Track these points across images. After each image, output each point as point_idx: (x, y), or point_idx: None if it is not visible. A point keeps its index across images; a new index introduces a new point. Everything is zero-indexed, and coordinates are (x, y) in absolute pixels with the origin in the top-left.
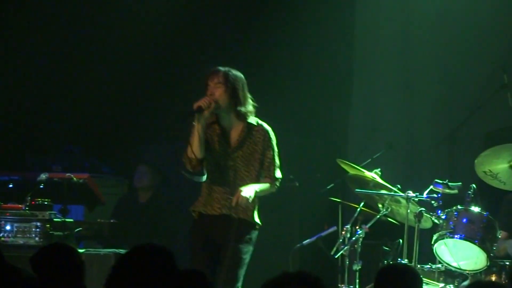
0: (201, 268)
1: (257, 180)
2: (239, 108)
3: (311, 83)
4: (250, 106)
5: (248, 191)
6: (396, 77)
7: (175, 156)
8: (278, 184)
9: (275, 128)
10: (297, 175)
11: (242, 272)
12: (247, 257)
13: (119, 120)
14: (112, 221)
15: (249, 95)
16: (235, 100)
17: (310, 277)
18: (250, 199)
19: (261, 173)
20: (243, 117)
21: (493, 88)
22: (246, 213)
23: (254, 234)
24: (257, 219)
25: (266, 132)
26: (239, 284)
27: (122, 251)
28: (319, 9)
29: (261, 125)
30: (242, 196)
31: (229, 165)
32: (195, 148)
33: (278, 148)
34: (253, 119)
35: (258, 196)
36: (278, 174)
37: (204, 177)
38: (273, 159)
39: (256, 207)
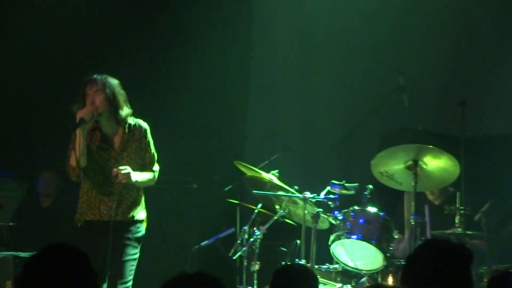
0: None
1: None
2: (119, 112)
3: (209, 88)
4: (128, 109)
5: (129, 169)
6: (293, 81)
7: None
8: (156, 176)
9: (174, 131)
10: (196, 177)
11: (131, 269)
12: (135, 254)
13: (18, 124)
14: (11, 224)
15: (126, 99)
16: (115, 105)
17: (208, 277)
18: (130, 177)
19: (144, 168)
20: (122, 121)
21: (389, 89)
22: (127, 214)
23: (140, 231)
24: (140, 216)
25: (144, 129)
26: (127, 280)
27: (22, 254)
28: (218, 14)
29: (138, 123)
30: (121, 171)
31: (115, 168)
32: (81, 158)
33: (154, 142)
34: (130, 120)
35: (140, 186)
36: (156, 167)
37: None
38: (152, 153)
39: (141, 204)
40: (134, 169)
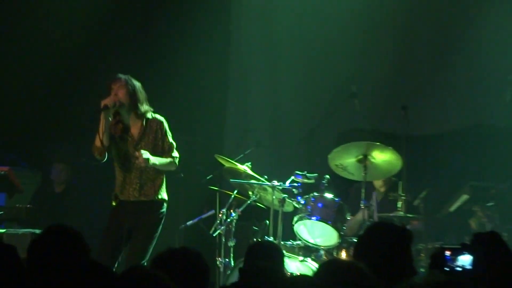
0: (104, 247)
1: None
2: (139, 105)
3: (194, 91)
4: (146, 107)
5: (148, 155)
6: (264, 86)
7: (86, 153)
8: (177, 161)
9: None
10: (182, 167)
11: (150, 246)
12: (155, 232)
13: (34, 120)
14: (28, 206)
15: (145, 98)
16: (135, 99)
17: (191, 251)
18: (149, 160)
19: (163, 155)
20: (141, 115)
21: (343, 95)
22: (147, 195)
23: (162, 210)
24: (162, 196)
25: (161, 122)
26: (147, 256)
27: (38, 231)
28: (198, 22)
29: (155, 117)
30: (141, 155)
31: (133, 155)
32: (103, 137)
33: (172, 134)
34: (148, 114)
35: (160, 169)
36: (176, 154)
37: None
38: (170, 142)
39: (162, 186)
40: (153, 155)
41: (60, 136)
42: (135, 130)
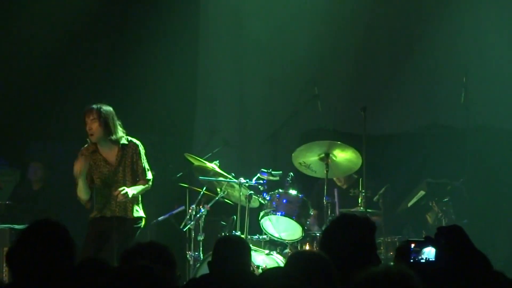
0: (88, 252)
1: (134, 184)
2: (111, 137)
3: (164, 93)
4: (120, 132)
5: (126, 190)
6: (232, 89)
7: (64, 152)
8: (151, 183)
9: (137, 129)
10: (154, 165)
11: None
12: (130, 243)
13: (13, 119)
14: (7, 202)
15: (118, 123)
16: (108, 130)
17: (158, 245)
18: (127, 195)
19: (137, 176)
20: (116, 141)
21: (307, 97)
22: (125, 211)
23: (135, 226)
24: (137, 214)
25: (136, 146)
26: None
27: (17, 226)
28: (170, 28)
29: (131, 141)
30: (120, 192)
31: (114, 180)
32: (82, 194)
33: (146, 154)
34: (124, 140)
35: (138, 195)
36: (149, 175)
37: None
38: (143, 165)
39: (136, 204)
40: (129, 182)
41: (39, 135)
42: (112, 156)
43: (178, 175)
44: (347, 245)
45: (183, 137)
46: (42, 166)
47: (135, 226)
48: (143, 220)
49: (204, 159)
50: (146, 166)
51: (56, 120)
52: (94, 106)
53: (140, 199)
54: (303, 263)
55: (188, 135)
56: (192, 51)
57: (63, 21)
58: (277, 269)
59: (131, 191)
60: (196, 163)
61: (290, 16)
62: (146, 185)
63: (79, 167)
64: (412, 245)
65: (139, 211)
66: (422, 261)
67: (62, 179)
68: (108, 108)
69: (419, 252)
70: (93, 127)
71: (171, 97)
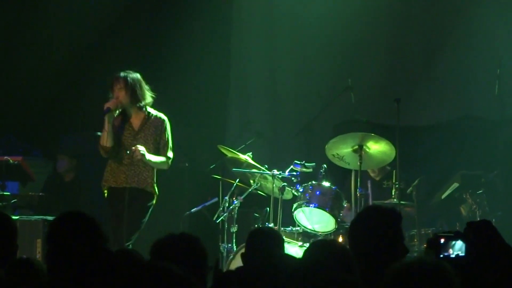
0: (114, 229)
1: None
2: (138, 104)
3: (199, 85)
4: (148, 98)
5: (144, 149)
6: (264, 80)
7: (92, 144)
8: (170, 162)
9: (172, 121)
10: (187, 157)
11: (137, 232)
12: (143, 220)
13: (46, 112)
14: (41, 194)
15: (146, 89)
16: (135, 98)
17: (190, 237)
18: (144, 155)
19: (158, 152)
20: (143, 107)
21: (340, 88)
22: (143, 183)
23: (150, 202)
24: (155, 189)
25: (163, 120)
26: (132, 239)
27: (49, 217)
28: (203, 19)
29: (158, 115)
30: (138, 149)
31: (133, 145)
32: (106, 139)
33: (172, 135)
34: (152, 110)
35: (153, 166)
36: (170, 154)
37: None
38: (167, 142)
39: (154, 179)
40: (148, 151)
41: (72, 127)
42: (136, 121)
43: (211, 167)
44: (373, 236)
45: (216, 129)
46: (68, 158)
47: (150, 202)
48: (156, 197)
49: (237, 151)
50: (170, 143)
51: (87, 112)
52: (122, 74)
53: (154, 174)
54: (322, 251)
55: (221, 127)
56: (225, 43)
57: (95, 13)
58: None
59: (149, 154)
60: (229, 154)
61: (324, 8)
62: (165, 161)
63: (112, 104)
64: (442, 240)
65: (155, 187)
66: (451, 256)
67: (94, 171)
68: (135, 76)
69: (448, 246)
70: (120, 95)
71: (204, 89)
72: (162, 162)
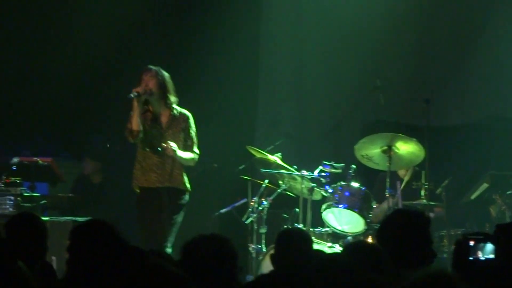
0: (148, 231)
1: None
2: (168, 95)
3: (227, 86)
4: (174, 97)
5: (175, 146)
6: (292, 80)
7: (123, 147)
8: (196, 158)
9: (199, 122)
10: (216, 158)
11: (175, 231)
12: (179, 218)
13: (76, 114)
14: (70, 195)
15: (173, 89)
16: (165, 89)
17: (220, 237)
18: (175, 151)
19: (185, 148)
20: (169, 104)
21: (368, 89)
22: (175, 181)
23: (184, 199)
24: (187, 186)
25: (188, 117)
26: (170, 239)
27: (79, 219)
28: (231, 20)
29: (183, 112)
30: (170, 145)
31: (161, 142)
32: (135, 121)
33: (196, 130)
34: (177, 107)
35: (181, 161)
36: (197, 150)
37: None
38: (193, 137)
39: (184, 175)
40: (178, 148)
41: (100, 130)
42: (164, 118)
43: (240, 168)
44: (401, 240)
45: (245, 130)
46: (92, 161)
47: (184, 199)
48: (188, 193)
49: (266, 152)
50: (195, 139)
51: (116, 115)
52: (153, 66)
53: (183, 171)
54: (358, 252)
55: (250, 127)
56: (254, 44)
57: (121, 16)
58: (333, 255)
59: (179, 151)
60: (258, 155)
61: (352, 8)
62: (193, 157)
63: (140, 89)
64: (471, 242)
65: (187, 184)
66: (481, 258)
67: (121, 173)
68: (165, 73)
69: (478, 249)
70: (150, 84)
71: (232, 90)
72: (190, 159)
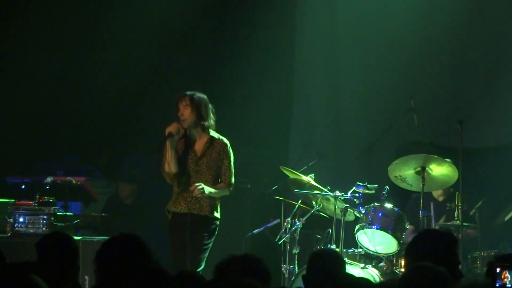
0: (177, 255)
1: (215, 182)
2: (203, 122)
3: (261, 106)
4: (211, 120)
5: (203, 186)
6: (326, 101)
7: (154, 166)
8: (231, 188)
9: (233, 141)
10: (249, 178)
11: (203, 256)
12: (207, 245)
13: (109, 133)
14: (103, 214)
15: (212, 111)
16: (200, 117)
17: (253, 258)
18: (203, 191)
19: (219, 178)
20: (206, 130)
21: (402, 110)
22: (204, 210)
23: (213, 226)
24: (216, 214)
25: (225, 144)
26: (202, 265)
27: None
28: (265, 42)
29: (221, 139)
30: (197, 187)
31: (195, 170)
32: (171, 165)
33: (234, 159)
34: (215, 134)
35: (215, 195)
36: (232, 180)
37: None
38: (229, 167)
39: (217, 205)
40: (210, 177)
41: (134, 149)
42: (199, 145)
43: (273, 188)
44: (428, 259)
45: (278, 150)
46: (129, 185)
47: (212, 227)
48: (218, 222)
49: (299, 172)
50: (232, 169)
51: (149, 134)
52: (188, 92)
53: (219, 201)
54: (424, 277)
55: (283, 148)
56: (288, 64)
57: (156, 34)
58: (364, 281)
59: (209, 188)
60: (291, 176)
61: (388, 30)
62: (226, 189)
63: (173, 128)
64: (498, 269)
65: (216, 212)
66: (508, 286)
67: (156, 193)
68: (201, 95)
69: (505, 275)
70: (185, 113)
71: (266, 110)
72: (223, 192)
